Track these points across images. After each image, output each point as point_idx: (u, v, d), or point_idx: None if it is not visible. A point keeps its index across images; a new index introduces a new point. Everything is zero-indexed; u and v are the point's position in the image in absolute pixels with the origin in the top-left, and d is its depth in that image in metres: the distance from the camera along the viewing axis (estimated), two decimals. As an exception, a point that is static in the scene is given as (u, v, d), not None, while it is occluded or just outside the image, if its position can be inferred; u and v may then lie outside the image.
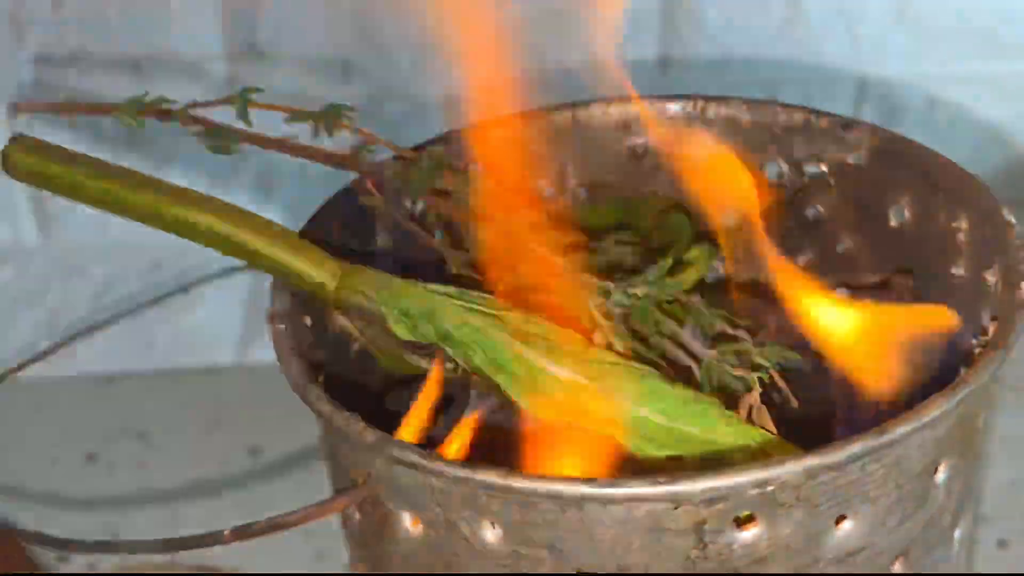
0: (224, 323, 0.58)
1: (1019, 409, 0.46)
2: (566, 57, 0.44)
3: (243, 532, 0.27)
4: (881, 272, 0.34)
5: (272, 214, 0.32)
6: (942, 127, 0.59)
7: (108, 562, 0.47)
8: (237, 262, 0.53)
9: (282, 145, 0.32)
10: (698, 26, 0.54)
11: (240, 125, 0.33)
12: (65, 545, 0.31)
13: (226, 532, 0.27)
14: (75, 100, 0.36)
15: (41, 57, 0.52)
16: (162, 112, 0.32)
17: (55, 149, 0.28)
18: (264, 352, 0.57)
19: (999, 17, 0.55)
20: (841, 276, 0.34)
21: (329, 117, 0.31)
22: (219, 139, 0.31)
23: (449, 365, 0.28)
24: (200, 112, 0.32)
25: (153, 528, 0.49)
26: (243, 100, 0.31)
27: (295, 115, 0.31)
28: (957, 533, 0.29)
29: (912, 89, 0.57)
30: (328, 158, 0.32)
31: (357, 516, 0.28)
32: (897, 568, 0.27)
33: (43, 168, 0.28)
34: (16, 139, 0.29)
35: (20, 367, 0.47)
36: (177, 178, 0.55)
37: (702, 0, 0.54)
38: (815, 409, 0.29)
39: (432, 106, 0.49)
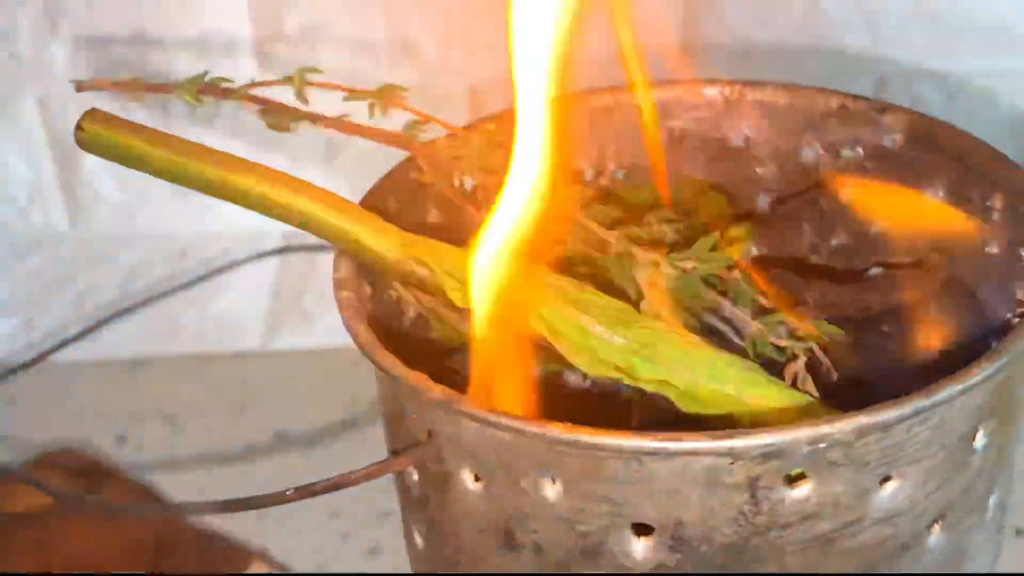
0: (251, 309, 0.59)
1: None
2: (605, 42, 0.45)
3: (306, 490, 0.28)
4: (915, 252, 0.35)
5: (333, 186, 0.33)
6: (961, 121, 0.60)
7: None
8: (263, 249, 0.54)
9: (338, 124, 0.33)
10: (719, 19, 0.55)
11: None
12: (124, 510, 0.33)
13: (289, 491, 0.29)
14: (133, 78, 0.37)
15: (77, 41, 0.53)
16: (221, 90, 0.33)
17: (126, 123, 0.30)
18: (290, 338, 0.59)
19: (1018, 12, 0.56)
20: (875, 257, 0.36)
21: (384, 96, 0.33)
22: (278, 117, 0.32)
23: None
24: (258, 91, 0.34)
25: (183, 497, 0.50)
26: (301, 79, 0.32)
27: (353, 94, 0.32)
28: (992, 500, 0.30)
29: (931, 83, 0.58)
30: (382, 136, 0.33)
31: (416, 476, 0.29)
32: (936, 530, 0.28)
33: (115, 141, 0.29)
34: (89, 113, 0.30)
35: (52, 350, 0.49)
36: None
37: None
38: (853, 383, 0.30)
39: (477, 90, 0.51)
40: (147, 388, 0.56)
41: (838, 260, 0.37)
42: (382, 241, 0.29)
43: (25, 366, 0.48)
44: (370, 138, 0.33)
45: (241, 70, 0.55)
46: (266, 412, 0.55)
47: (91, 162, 0.57)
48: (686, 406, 0.28)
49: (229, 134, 0.53)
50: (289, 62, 0.52)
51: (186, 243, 0.58)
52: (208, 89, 0.33)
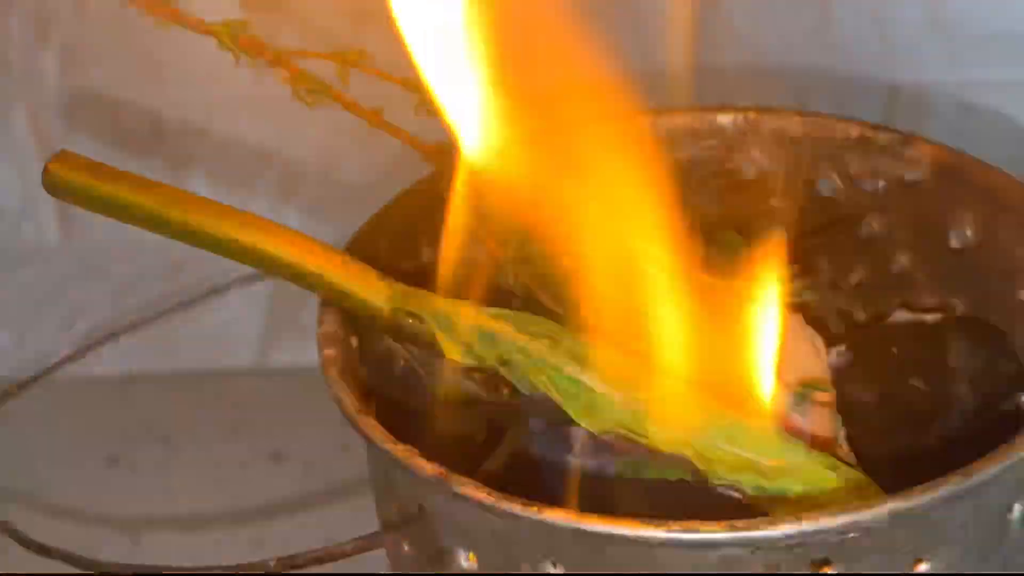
0: (244, 326, 0.57)
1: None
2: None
3: (289, 561, 0.26)
4: (939, 294, 0.32)
5: (291, 220, 0.31)
6: (975, 134, 0.57)
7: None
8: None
9: (371, 115, 0.30)
10: (727, 31, 0.53)
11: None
12: (91, 566, 0.30)
13: (271, 561, 0.26)
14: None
15: (67, 50, 0.51)
16: (261, 46, 0.30)
17: (97, 166, 0.27)
18: (284, 355, 0.56)
19: (1034, 22, 0.54)
20: (896, 297, 0.33)
21: (344, 59, 0.30)
22: (312, 90, 0.29)
23: (505, 391, 0.27)
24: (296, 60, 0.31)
25: (176, 533, 0.48)
26: (345, 60, 0.30)
27: (407, 83, 0.29)
28: (1027, 571, 0.27)
29: (944, 96, 0.56)
30: (410, 141, 0.30)
31: (406, 548, 0.26)
32: (970, 610, 0.26)
33: (88, 188, 0.27)
34: (59, 155, 0.27)
35: (50, 370, 0.46)
36: (197, 180, 0.54)
37: (731, 5, 0.53)
38: (878, 438, 0.28)
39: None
40: (139, 407, 0.54)
41: (858, 299, 0.34)
42: (372, 294, 0.27)
43: (19, 387, 0.46)
44: (401, 140, 0.30)
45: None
46: (261, 432, 0.53)
47: (83, 173, 0.55)
48: (704, 467, 0.25)
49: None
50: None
51: (180, 257, 0.56)
52: (249, 42, 0.30)
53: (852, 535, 0.22)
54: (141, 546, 0.47)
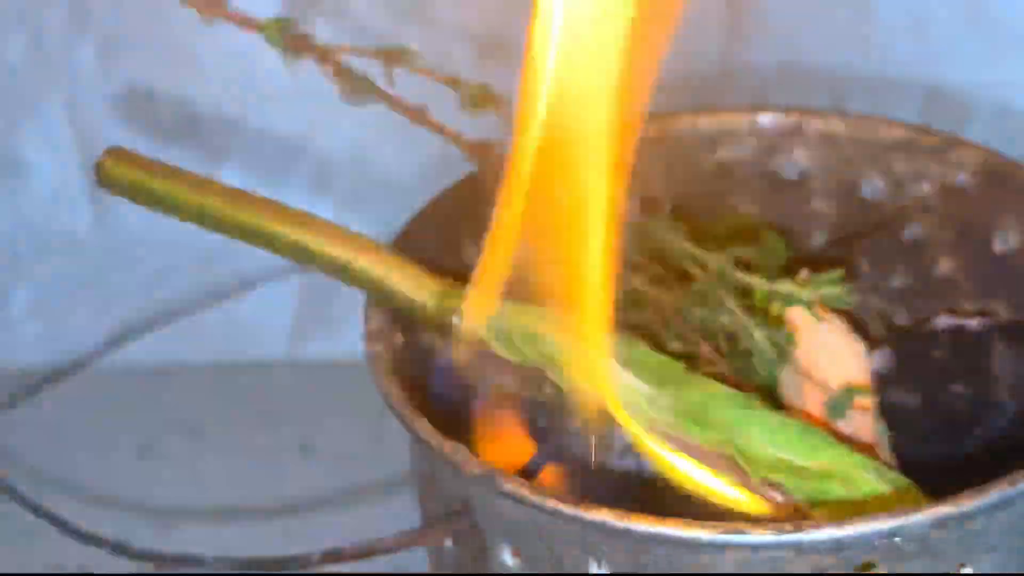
0: (275, 318, 0.57)
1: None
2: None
3: (333, 555, 0.26)
4: (982, 299, 0.33)
5: (326, 212, 0.31)
6: (1012, 135, 0.57)
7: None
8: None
9: (415, 114, 0.31)
10: (764, 30, 0.53)
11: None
12: (128, 552, 0.31)
13: (315, 556, 0.27)
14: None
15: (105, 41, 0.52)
16: (307, 43, 0.31)
17: (149, 162, 0.28)
18: (315, 347, 0.57)
19: (1074, 23, 0.54)
20: (938, 301, 0.33)
21: (390, 55, 0.30)
22: (357, 88, 0.30)
23: (547, 389, 0.27)
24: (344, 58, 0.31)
25: (208, 522, 0.49)
26: (392, 58, 0.30)
27: (451, 82, 0.30)
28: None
29: (982, 96, 0.56)
30: (456, 140, 0.31)
31: (449, 544, 0.27)
32: (1012, 616, 0.26)
33: (139, 183, 0.27)
34: (111, 151, 0.28)
35: (85, 362, 0.47)
36: (231, 172, 0.55)
37: (769, 4, 0.54)
38: (921, 444, 0.28)
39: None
40: (170, 398, 0.55)
41: (900, 303, 0.35)
42: (419, 291, 0.27)
43: (43, 384, 0.47)
44: (443, 135, 0.31)
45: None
46: (291, 424, 0.54)
47: (117, 164, 0.55)
48: (746, 466, 0.26)
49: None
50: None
51: (212, 248, 0.56)
52: (293, 40, 0.31)
53: (897, 539, 0.22)
54: (170, 536, 0.48)
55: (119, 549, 0.31)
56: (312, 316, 0.57)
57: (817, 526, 0.22)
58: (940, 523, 0.22)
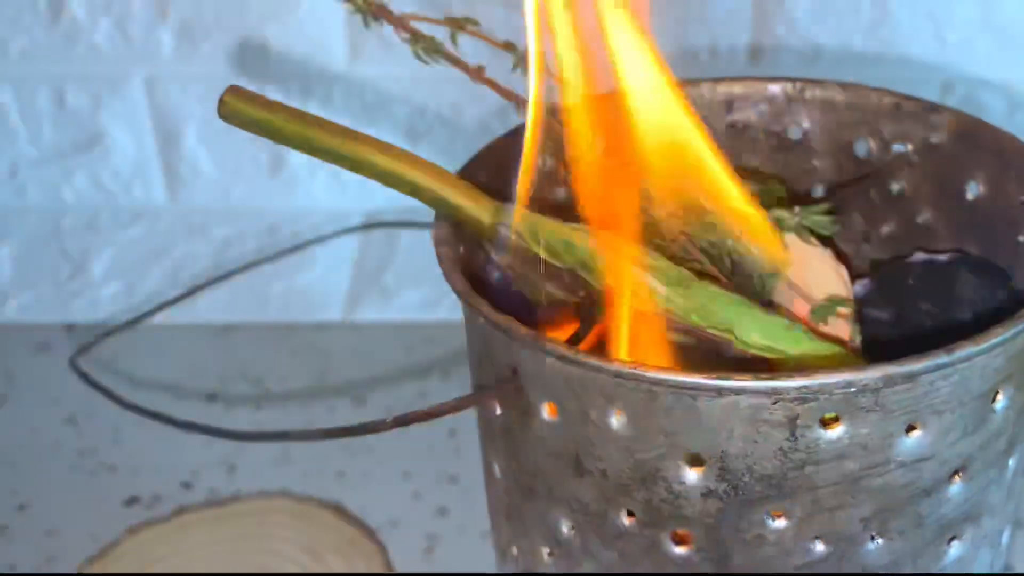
0: (334, 283, 0.64)
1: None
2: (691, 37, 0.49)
3: (403, 419, 0.33)
4: (956, 241, 0.40)
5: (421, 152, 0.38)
6: (1022, 129, 0.63)
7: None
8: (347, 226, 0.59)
9: (476, 73, 0.38)
10: (788, 23, 0.59)
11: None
12: (224, 434, 0.37)
13: (388, 419, 0.34)
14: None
15: (184, 24, 0.58)
16: (384, 11, 0.38)
17: (262, 99, 0.35)
18: (368, 311, 0.64)
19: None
20: (919, 244, 0.40)
21: (453, 25, 0.37)
22: (424, 47, 0.37)
23: (582, 292, 0.34)
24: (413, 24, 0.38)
25: (267, 461, 0.56)
26: (455, 24, 0.37)
27: (506, 47, 0.37)
28: (1011, 462, 0.34)
29: (995, 93, 0.62)
30: (509, 95, 0.38)
31: (498, 411, 0.34)
32: (956, 480, 0.33)
33: (252, 115, 0.34)
34: (231, 89, 0.35)
35: (149, 313, 0.54)
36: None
37: (793, 1, 0.59)
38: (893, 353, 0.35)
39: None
40: (236, 352, 0.62)
41: (888, 248, 0.42)
42: (477, 208, 0.34)
43: (125, 326, 0.53)
44: (499, 93, 0.38)
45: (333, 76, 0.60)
46: (344, 379, 0.60)
47: (191, 140, 0.62)
48: (745, 348, 0.33)
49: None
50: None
51: (276, 219, 0.63)
52: (376, 8, 0.38)
53: (852, 390, 0.29)
54: (237, 472, 0.55)
55: (210, 430, 0.37)
56: (366, 283, 0.64)
57: (788, 376, 0.29)
58: (889, 380, 0.29)
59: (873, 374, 0.29)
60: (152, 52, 0.59)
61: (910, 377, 0.30)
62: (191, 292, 0.55)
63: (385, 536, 0.51)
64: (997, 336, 0.30)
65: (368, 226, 0.59)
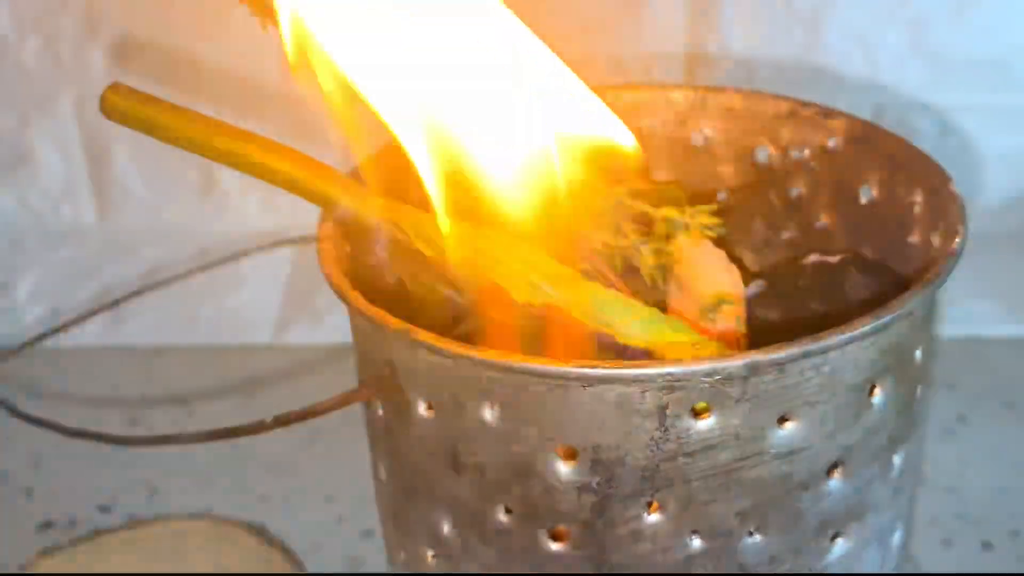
0: (263, 305, 0.65)
1: (1009, 423, 0.53)
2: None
3: (283, 419, 0.34)
4: (852, 244, 0.41)
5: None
6: (953, 154, 0.64)
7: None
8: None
9: None
10: (722, 50, 0.61)
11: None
12: (125, 441, 0.38)
13: (267, 420, 0.34)
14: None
15: (115, 43, 0.59)
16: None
17: (144, 95, 0.36)
18: (298, 335, 0.64)
19: (1013, 50, 0.61)
20: (818, 248, 0.41)
21: None
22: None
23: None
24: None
25: (189, 483, 0.56)
26: None
27: None
28: (896, 459, 0.35)
29: (925, 117, 0.63)
30: None
31: (380, 411, 0.34)
32: (836, 475, 0.33)
33: (135, 112, 0.35)
34: (113, 85, 0.36)
35: (46, 334, 0.54)
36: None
37: (727, 26, 0.61)
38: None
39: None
40: (162, 374, 0.62)
41: (788, 254, 0.43)
42: (365, 206, 0.35)
43: (24, 347, 0.53)
44: None
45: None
46: (273, 403, 0.60)
47: (121, 160, 0.63)
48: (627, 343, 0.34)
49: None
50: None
51: (207, 241, 0.64)
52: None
53: (718, 378, 0.30)
54: (157, 496, 0.55)
55: (100, 437, 0.38)
56: (296, 306, 0.64)
57: (653, 364, 0.30)
58: (755, 368, 0.30)
59: (738, 362, 0.30)
60: (82, 71, 0.60)
61: (777, 365, 0.30)
62: (102, 309, 0.55)
63: (308, 559, 0.51)
64: (866, 324, 0.31)
65: (283, 242, 0.59)
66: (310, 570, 0.50)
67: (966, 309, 0.60)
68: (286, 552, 0.52)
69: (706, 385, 0.30)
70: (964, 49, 0.62)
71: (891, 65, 0.62)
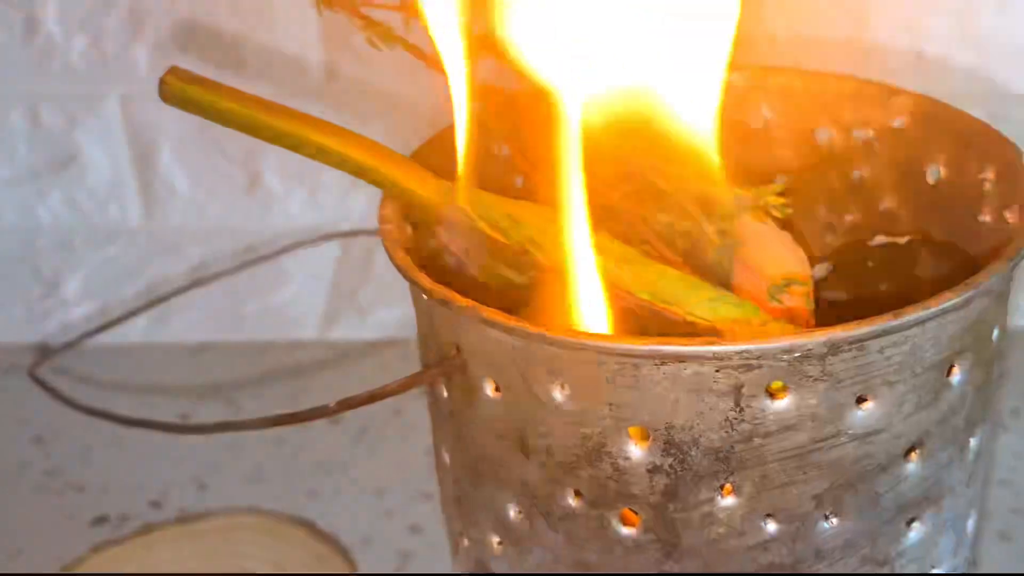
0: (309, 301, 0.64)
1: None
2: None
3: (347, 403, 0.33)
4: (918, 225, 0.39)
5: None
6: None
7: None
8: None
9: (431, 59, 0.37)
10: (766, 38, 0.60)
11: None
12: (183, 430, 0.37)
13: (331, 404, 0.33)
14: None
15: (160, 42, 0.59)
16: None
17: (204, 80, 0.35)
18: (343, 330, 0.64)
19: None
20: (882, 231, 0.40)
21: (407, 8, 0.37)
22: (380, 35, 0.37)
23: (531, 272, 0.34)
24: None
25: (238, 479, 0.55)
26: (408, 10, 0.37)
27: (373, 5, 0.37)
28: (972, 443, 0.34)
29: (973, 106, 0.62)
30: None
31: (445, 392, 0.33)
32: (913, 457, 0.32)
33: (194, 96, 0.35)
34: (172, 69, 0.35)
35: (97, 330, 0.53)
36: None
37: (771, 13, 0.60)
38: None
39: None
40: (210, 370, 0.61)
41: (852, 237, 0.41)
42: (427, 188, 0.34)
43: (80, 338, 0.53)
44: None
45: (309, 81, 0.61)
46: (319, 397, 0.60)
47: (167, 159, 0.62)
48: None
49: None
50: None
51: (252, 238, 0.63)
52: None
53: (796, 355, 0.29)
54: (207, 491, 0.55)
55: (158, 425, 0.37)
56: (341, 302, 0.64)
57: (728, 342, 0.29)
58: (834, 346, 0.29)
59: (818, 339, 0.29)
60: (128, 70, 0.60)
61: (857, 343, 0.29)
62: (149, 305, 0.55)
63: (357, 554, 0.51)
64: (947, 300, 0.30)
65: (331, 235, 0.59)
66: (360, 564, 0.50)
67: (1014, 301, 0.58)
68: (335, 546, 0.51)
69: (784, 363, 0.29)
70: (1011, 37, 0.61)
71: (937, 52, 0.61)
